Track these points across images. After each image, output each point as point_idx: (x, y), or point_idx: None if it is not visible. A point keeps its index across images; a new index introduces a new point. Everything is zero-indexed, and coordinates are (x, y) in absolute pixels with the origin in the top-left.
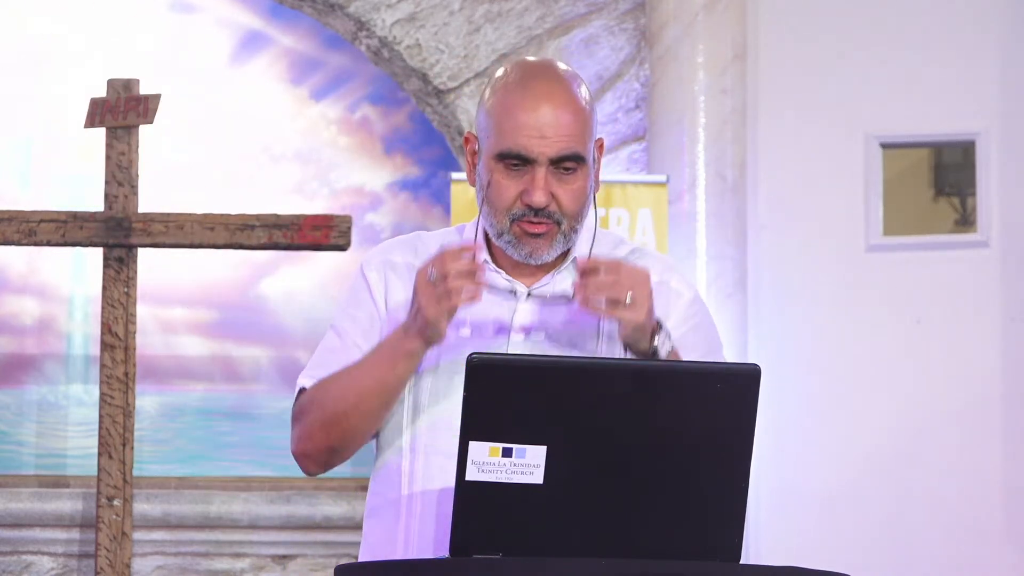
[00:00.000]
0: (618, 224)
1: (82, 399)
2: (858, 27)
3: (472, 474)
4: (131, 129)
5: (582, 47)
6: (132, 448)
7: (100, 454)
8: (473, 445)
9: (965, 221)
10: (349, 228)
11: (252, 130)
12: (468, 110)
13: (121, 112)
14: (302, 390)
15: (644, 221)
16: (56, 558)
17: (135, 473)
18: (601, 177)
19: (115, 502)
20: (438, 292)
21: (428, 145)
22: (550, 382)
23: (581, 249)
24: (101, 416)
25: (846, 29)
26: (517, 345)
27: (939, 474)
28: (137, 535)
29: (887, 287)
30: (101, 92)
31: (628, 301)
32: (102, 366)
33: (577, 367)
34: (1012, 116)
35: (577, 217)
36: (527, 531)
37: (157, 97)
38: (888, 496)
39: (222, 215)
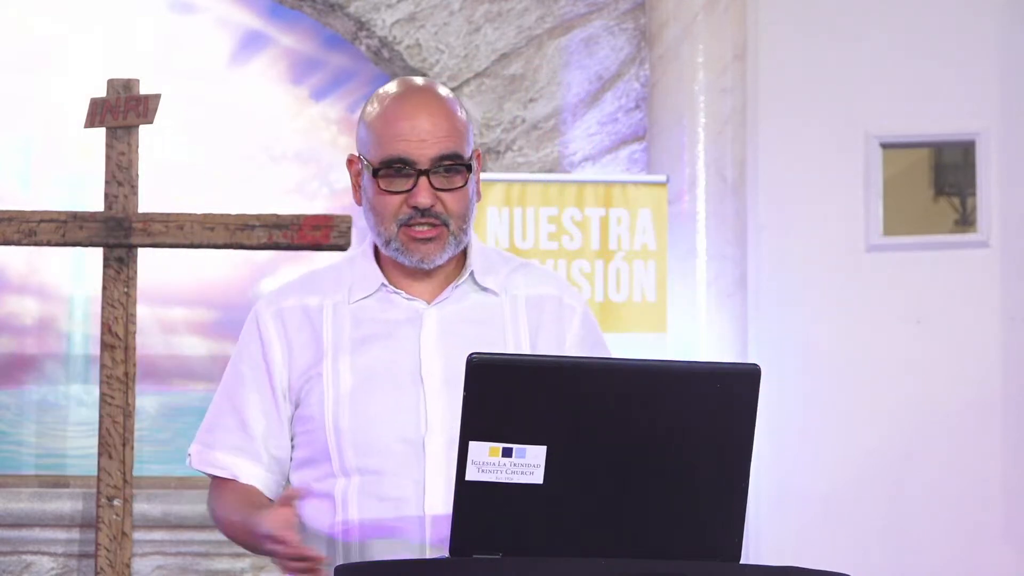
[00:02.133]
0: (618, 224)
1: (82, 399)
2: (858, 27)
3: (472, 474)
4: (131, 129)
5: (582, 47)
6: (132, 448)
7: (100, 454)
8: (473, 445)
9: (965, 221)
10: (349, 228)
11: (252, 130)
12: (468, 110)
13: (121, 112)
14: (198, 457)
15: (644, 221)
16: (56, 558)
17: (135, 473)
18: (601, 177)
19: (115, 502)
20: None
21: None
22: (550, 382)
23: (475, 262)
24: (101, 416)
25: (846, 29)
26: (429, 361)
27: (939, 474)
28: (137, 535)
29: (887, 287)
30: (101, 92)
31: None
32: (102, 366)
33: (577, 367)
34: (1012, 116)
35: (463, 219)
36: (527, 531)
37: (157, 97)
38: (888, 496)
39: (222, 215)
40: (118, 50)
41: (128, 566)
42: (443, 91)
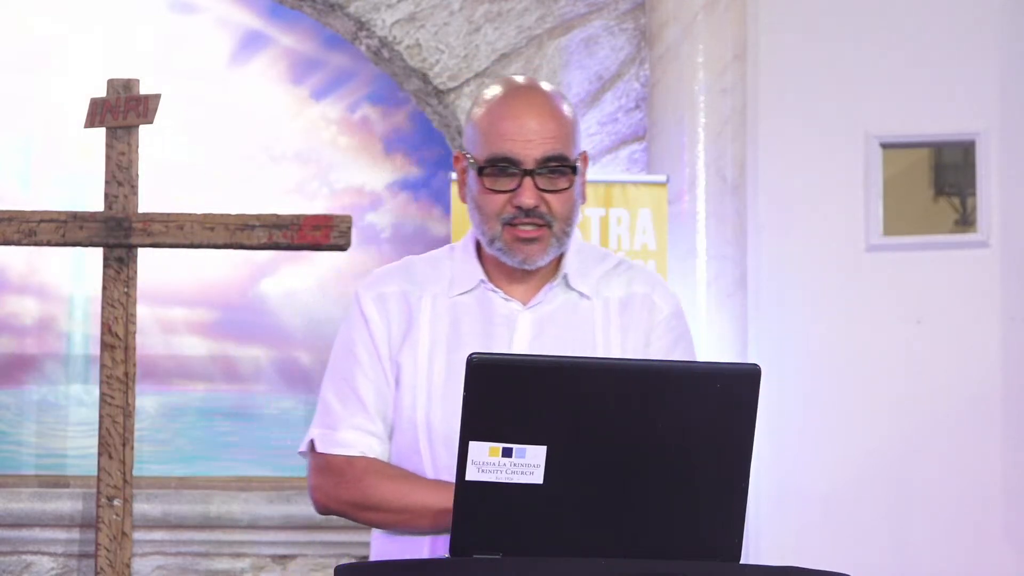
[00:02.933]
0: (618, 224)
1: (82, 399)
2: (858, 27)
3: (472, 474)
4: (131, 129)
5: (582, 47)
6: (132, 448)
7: (100, 454)
8: (473, 445)
9: (965, 221)
10: (349, 228)
11: (252, 130)
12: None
13: (121, 112)
14: (314, 445)
15: (644, 221)
16: (56, 558)
17: (135, 473)
18: (601, 177)
19: (115, 502)
20: None
21: (428, 145)
22: (550, 382)
23: (570, 265)
24: (101, 416)
25: (846, 29)
26: None
27: (939, 474)
28: (137, 535)
29: (887, 287)
30: (101, 92)
31: None
32: (102, 366)
33: (577, 367)
34: (1012, 116)
35: (567, 221)
36: (527, 531)
37: (157, 97)
38: (888, 496)
39: (222, 215)
40: (118, 50)
41: (128, 566)
42: (549, 89)
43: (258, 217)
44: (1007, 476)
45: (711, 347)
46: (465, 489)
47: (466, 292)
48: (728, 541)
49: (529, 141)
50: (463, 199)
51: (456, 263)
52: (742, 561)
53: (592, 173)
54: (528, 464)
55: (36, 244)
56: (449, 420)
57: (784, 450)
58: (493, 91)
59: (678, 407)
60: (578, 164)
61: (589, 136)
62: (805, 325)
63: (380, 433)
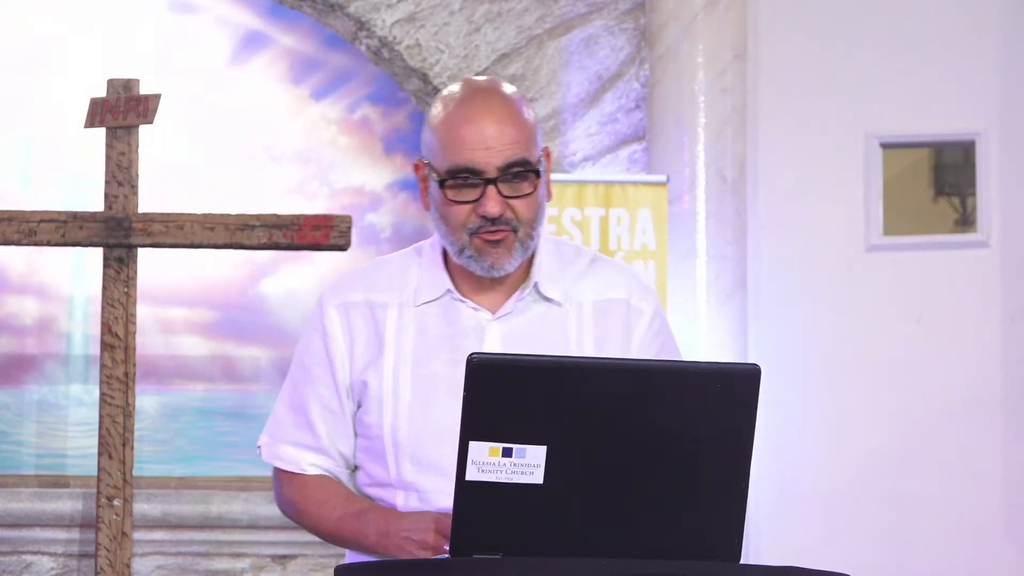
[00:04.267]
0: (618, 224)
1: (82, 399)
2: (858, 27)
3: (472, 474)
4: (131, 129)
5: (582, 47)
6: (132, 448)
7: (100, 454)
8: (473, 445)
9: (965, 221)
10: (349, 228)
11: (252, 130)
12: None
13: (121, 112)
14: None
15: (644, 221)
16: (56, 558)
17: (135, 473)
18: (601, 177)
19: (115, 502)
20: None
21: None
22: (550, 382)
23: (541, 266)
24: (101, 416)
25: (846, 29)
26: None
27: (939, 474)
28: (137, 535)
29: (887, 287)
30: (101, 92)
31: None
32: (102, 366)
33: (577, 367)
34: (1012, 116)
35: (532, 224)
36: (527, 531)
37: (157, 97)
38: (888, 496)
39: (222, 215)
40: (118, 50)
41: (128, 566)
42: (508, 91)
43: (258, 217)
44: (1007, 476)
45: (711, 347)
46: (465, 489)
47: (432, 301)
48: (728, 541)
49: (489, 149)
50: (425, 207)
51: (423, 270)
52: (742, 561)
53: (592, 173)
54: (528, 464)
55: (36, 244)
56: (418, 435)
57: (784, 450)
58: (449, 95)
59: (678, 407)
60: (541, 165)
61: (589, 136)
62: (805, 325)
63: (325, 449)
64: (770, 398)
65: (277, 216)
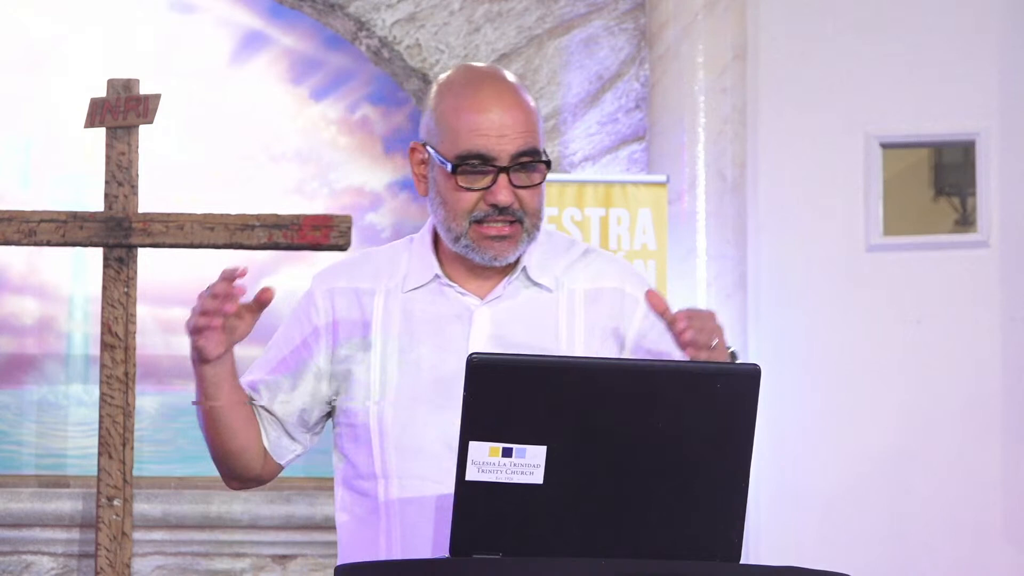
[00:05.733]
0: (618, 224)
1: (82, 399)
2: (858, 27)
3: (472, 474)
4: (131, 129)
5: (582, 47)
6: (132, 448)
7: (100, 454)
8: (473, 445)
9: (965, 221)
10: (349, 228)
11: (252, 130)
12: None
13: (121, 112)
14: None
15: (644, 221)
16: (56, 558)
17: (135, 473)
18: (601, 177)
19: (115, 502)
20: (196, 323)
21: None
22: (550, 382)
23: (532, 252)
24: (101, 416)
25: (846, 29)
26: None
27: (939, 474)
28: (137, 535)
29: (887, 287)
30: (101, 92)
31: (713, 345)
32: (102, 366)
33: (577, 367)
34: (1012, 116)
35: (538, 215)
36: (527, 531)
37: (157, 97)
38: (888, 496)
39: (222, 215)
40: (118, 50)
41: (128, 566)
42: (513, 79)
43: (258, 217)
44: (1007, 476)
45: None
46: (465, 489)
47: (420, 287)
48: (728, 541)
49: (503, 136)
50: (422, 192)
51: (413, 255)
52: (742, 561)
53: (592, 173)
54: (528, 464)
55: (36, 244)
56: (403, 424)
57: (784, 450)
58: (455, 80)
59: (678, 407)
60: (547, 155)
61: (589, 136)
62: (805, 325)
63: (272, 385)
64: (770, 398)
65: (277, 216)
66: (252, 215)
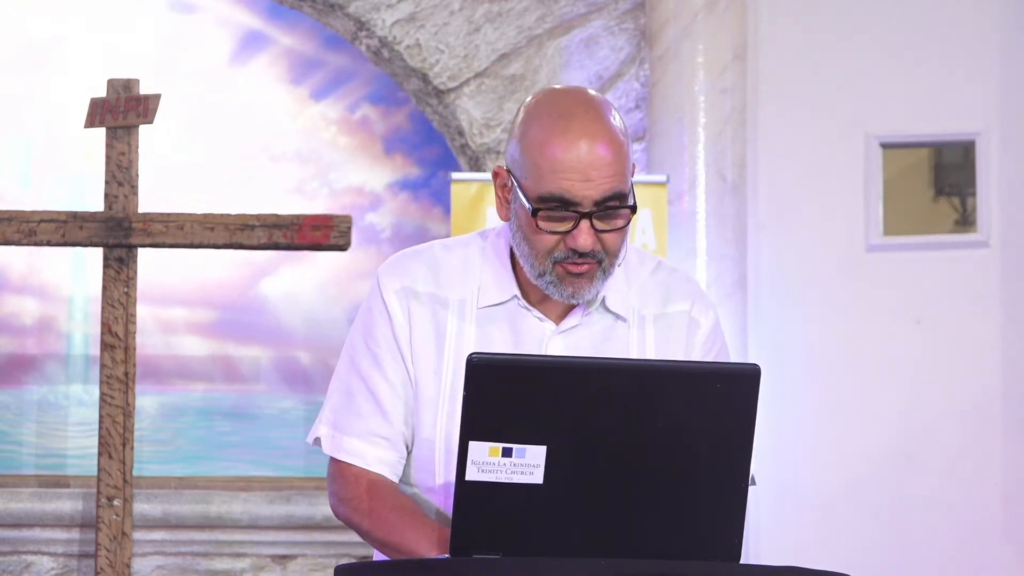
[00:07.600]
0: None
1: (82, 399)
2: (858, 27)
3: (472, 474)
4: (131, 129)
5: (582, 47)
6: (132, 448)
7: (100, 454)
8: (473, 445)
9: (965, 221)
10: (349, 228)
11: (252, 130)
12: (468, 110)
13: (121, 112)
14: (324, 440)
15: (644, 221)
16: (56, 558)
17: (135, 473)
18: None
19: (115, 502)
20: None
21: (428, 145)
22: (550, 382)
23: (608, 284)
24: (101, 416)
25: (846, 29)
26: None
27: (939, 474)
28: (137, 535)
29: (887, 287)
30: (101, 92)
31: None
32: (102, 366)
33: (577, 367)
34: (1012, 116)
35: (618, 255)
36: (527, 531)
37: (157, 97)
38: (888, 496)
39: (222, 215)
40: (118, 50)
41: (128, 566)
42: (606, 111)
43: (258, 217)
44: (1007, 476)
45: None
46: (465, 489)
47: (497, 305)
48: (728, 541)
49: (588, 181)
50: (503, 217)
51: (487, 268)
52: (742, 561)
53: None
54: (528, 464)
55: (36, 244)
56: None
57: (784, 450)
58: (543, 108)
59: (678, 407)
60: (634, 197)
61: None
62: (805, 325)
63: (394, 437)
64: (770, 398)
65: (277, 216)
66: (252, 215)
